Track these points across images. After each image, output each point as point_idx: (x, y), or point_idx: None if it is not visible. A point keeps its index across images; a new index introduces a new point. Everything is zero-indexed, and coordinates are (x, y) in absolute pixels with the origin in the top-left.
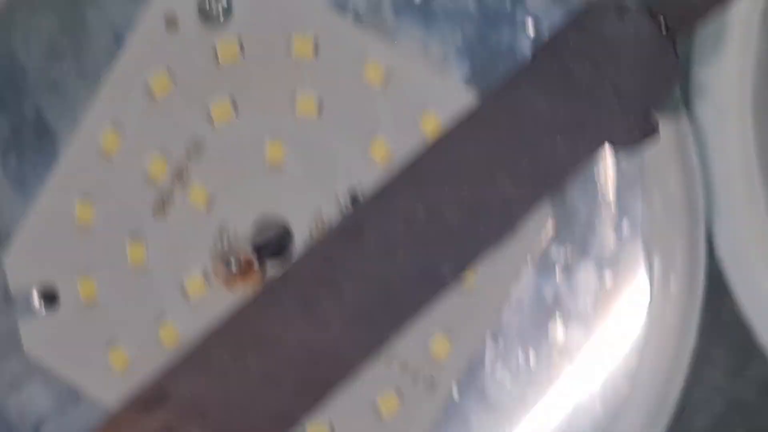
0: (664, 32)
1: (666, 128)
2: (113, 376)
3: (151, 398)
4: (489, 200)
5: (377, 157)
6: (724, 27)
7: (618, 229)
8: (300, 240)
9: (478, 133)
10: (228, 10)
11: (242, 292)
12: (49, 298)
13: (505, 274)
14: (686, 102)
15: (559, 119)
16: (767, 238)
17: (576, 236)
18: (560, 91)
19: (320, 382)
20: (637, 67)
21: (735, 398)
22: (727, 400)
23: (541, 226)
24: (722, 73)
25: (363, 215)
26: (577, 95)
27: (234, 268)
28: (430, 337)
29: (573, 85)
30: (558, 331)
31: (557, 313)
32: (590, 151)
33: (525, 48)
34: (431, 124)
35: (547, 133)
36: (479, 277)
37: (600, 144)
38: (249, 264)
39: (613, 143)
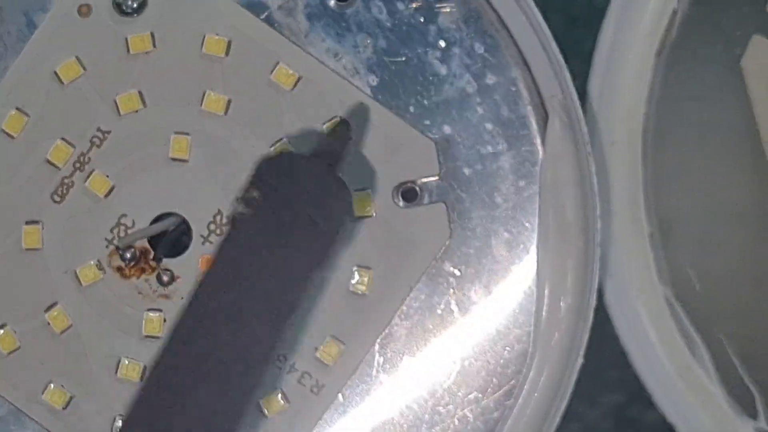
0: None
1: (566, 151)
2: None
3: None
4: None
5: None
6: (620, 66)
7: (512, 248)
8: (198, 235)
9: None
10: (142, 3)
11: (135, 281)
12: None
13: (400, 283)
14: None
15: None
16: (649, 269)
17: (470, 252)
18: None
19: None
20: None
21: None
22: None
23: (437, 240)
24: (615, 109)
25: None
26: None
27: (129, 258)
28: (320, 342)
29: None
30: (445, 344)
31: (446, 327)
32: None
33: (435, 64)
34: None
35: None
36: (374, 284)
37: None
38: (144, 255)
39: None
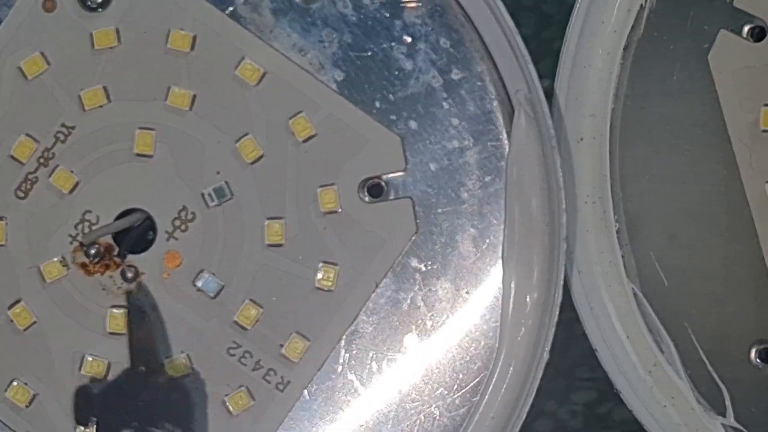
0: None
1: (531, 145)
2: None
3: None
4: None
5: (246, 155)
6: (587, 62)
7: (478, 243)
8: (162, 230)
9: None
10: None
11: (100, 278)
12: None
13: (365, 279)
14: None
15: None
16: (617, 265)
17: (436, 248)
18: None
19: None
20: None
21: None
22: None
23: (403, 235)
24: (582, 106)
25: None
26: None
27: (93, 255)
28: (286, 339)
29: None
30: (412, 340)
31: (412, 323)
32: None
33: (401, 59)
34: (301, 127)
35: None
36: (340, 280)
37: None
38: (108, 251)
39: None
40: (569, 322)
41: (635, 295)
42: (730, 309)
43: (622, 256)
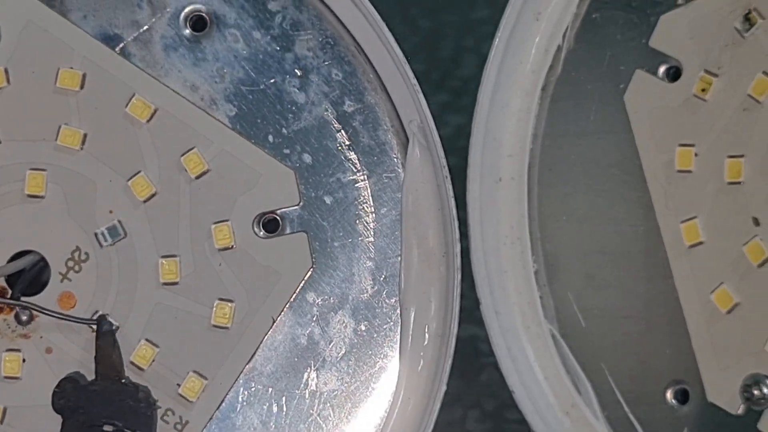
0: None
1: (425, 175)
2: None
3: None
4: None
5: (139, 193)
6: (505, 101)
7: (375, 276)
8: (56, 272)
9: None
10: None
11: None
12: None
13: (262, 315)
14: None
15: None
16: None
17: (333, 282)
18: None
19: None
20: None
21: None
22: None
23: (299, 270)
24: (500, 145)
25: None
26: None
27: None
28: (182, 378)
29: None
30: (311, 376)
31: (311, 359)
32: None
33: (293, 92)
34: (194, 164)
35: None
36: (236, 317)
37: None
38: (2, 293)
39: None
40: (496, 364)
41: (553, 336)
42: (646, 350)
43: (540, 297)
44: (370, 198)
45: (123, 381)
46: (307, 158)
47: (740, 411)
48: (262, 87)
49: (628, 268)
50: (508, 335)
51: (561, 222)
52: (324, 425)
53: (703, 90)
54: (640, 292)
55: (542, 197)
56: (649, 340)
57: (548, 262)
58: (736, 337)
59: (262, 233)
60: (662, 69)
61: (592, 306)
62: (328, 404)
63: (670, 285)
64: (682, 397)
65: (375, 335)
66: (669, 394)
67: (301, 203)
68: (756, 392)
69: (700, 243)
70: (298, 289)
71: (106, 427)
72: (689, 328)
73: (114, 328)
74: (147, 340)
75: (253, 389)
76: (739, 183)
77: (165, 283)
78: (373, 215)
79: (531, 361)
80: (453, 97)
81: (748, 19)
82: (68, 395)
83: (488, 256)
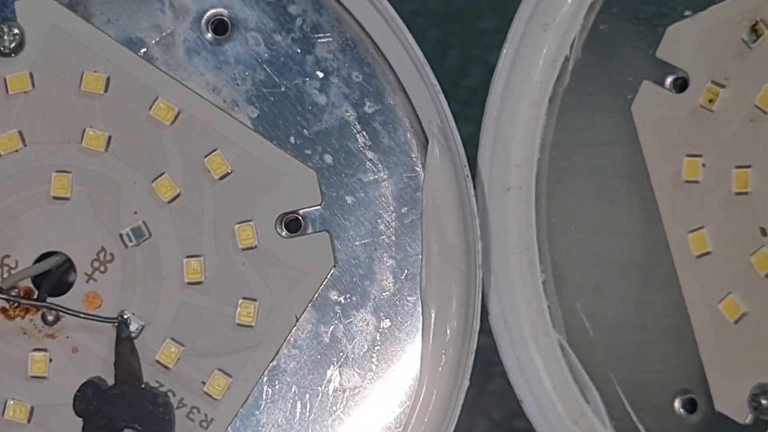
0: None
1: (445, 175)
2: None
3: None
4: None
5: (163, 194)
6: (513, 112)
7: (396, 274)
8: (82, 272)
9: None
10: (20, 43)
11: (20, 321)
12: None
13: (286, 314)
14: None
15: None
16: (543, 316)
17: (355, 280)
18: None
19: None
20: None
21: None
22: None
23: (322, 269)
24: (509, 156)
25: None
26: None
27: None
28: (208, 376)
29: None
30: (334, 373)
31: (334, 357)
32: None
33: (314, 94)
34: (217, 165)
35: None
36: (260, 315)
37: None
38: (28, 295)
39: None
40: (504, 374)
41: (561, 345)
42: (654, 359)
43: (548, 307)
44: (391, 197)
45: (142, 386)
46: (328, 159)
47: (748, 420)
48: (283, 89)
49: (636, 278)
50: (517, 345)
51: (569, 232)
52: (347, 421)
53: (710, 101)
54: (648, 302)
55: (550, 207)
56: (657, 350)
57: (556, 271)
58: (743, 346)
59: (284, 233)
60: (669, 80)
61: (600, 315)
62: (351, 401)
63: (678, 295)
64: (690, 406)
65: (397, 332)
66: (677, 404)
67: (322, 203)
68: (764, 401)
69: (708, 253)
70: (320, 288)
71: (125, 431)
72: (697, 338)
73: (133, 334)
74: (172, 338)
75: (277, 387)
76: (746, 193)
77: (189, 283)
78: (394, 214)
79: (539, 371)
80: (461, 107)
81: (755, 31)
82: (89, 399)
83: (496, 266)
